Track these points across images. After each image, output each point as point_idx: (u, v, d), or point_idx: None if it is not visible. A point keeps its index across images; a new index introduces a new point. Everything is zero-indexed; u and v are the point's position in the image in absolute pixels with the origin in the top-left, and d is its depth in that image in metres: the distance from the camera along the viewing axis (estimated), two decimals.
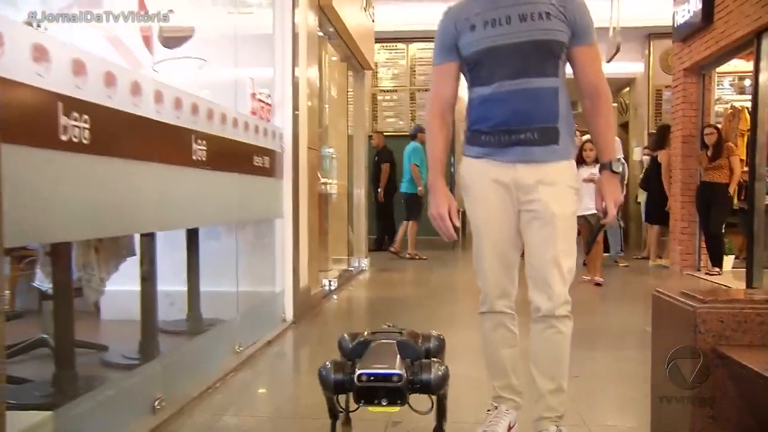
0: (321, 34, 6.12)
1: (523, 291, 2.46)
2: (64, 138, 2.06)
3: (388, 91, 11.57)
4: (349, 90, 8.45)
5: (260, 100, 4.31)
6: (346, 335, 2.20)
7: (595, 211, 2.52)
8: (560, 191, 2.44)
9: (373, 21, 8.24)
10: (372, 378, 1.86)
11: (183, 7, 3.90)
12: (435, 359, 2.05)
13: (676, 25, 8.28)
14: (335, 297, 6.26)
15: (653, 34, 11.19)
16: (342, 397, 2.11)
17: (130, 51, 3.68)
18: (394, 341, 2.04)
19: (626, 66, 11.78)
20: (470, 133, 2.56)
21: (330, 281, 6.44)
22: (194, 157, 3.13)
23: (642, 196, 10.17)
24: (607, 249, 9.56)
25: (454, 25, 2.53)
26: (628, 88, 12.96)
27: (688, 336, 1.98)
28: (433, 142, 2.59)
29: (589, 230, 6.33)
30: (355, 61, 7.88)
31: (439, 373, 1.96)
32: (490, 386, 2.61)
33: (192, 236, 4.06)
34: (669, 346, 2.08)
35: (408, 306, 5.83)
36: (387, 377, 1.86)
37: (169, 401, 2.87)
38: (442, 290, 6.88)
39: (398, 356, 1.94)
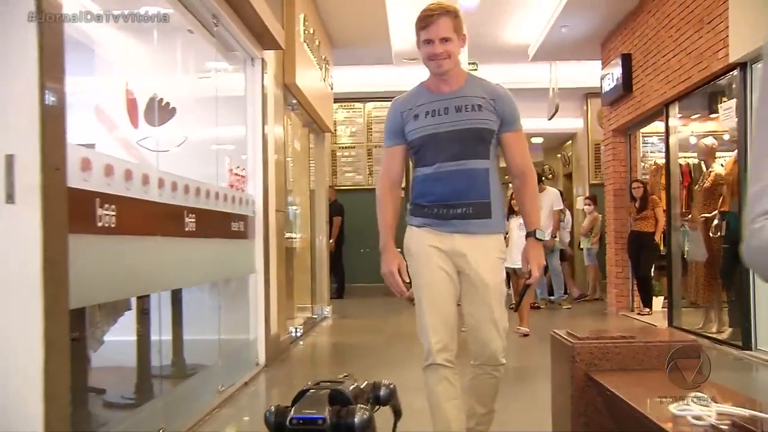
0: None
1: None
2: (99, 224, 2.73)
3: (346, 147, 12.33)
4: (310, 146, 9.15)
5: (236, 174, 5.00)
6: (272, 408, 2.29)
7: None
8: (491, 262, 2.81)
9: (331, 89, 9.02)
10: (301, 422, 2.09)
11: (167, 74, 4.37)
12: (362, 406, 2.22)
13: (603, 91, 9.22)
14: (301, 343, 6.88)
15: (589, 94, 12.16)
16: None
17: (111, 119, 3.99)
18: (328, 390, 2.23)
19: (568, 122, 12.76)
20: (413, 206, 2.92)
21: (296, 328, 7.06)
22: (186, 229, 3.79)
23: (585, 242, 10.98)
24: (552, 293, 10.35)
25: (401, 114, 2.90)
26: (570, 142, 13.93)
27: (569, 365, 2.69)
28: (384, 212, 2.93)
29: (517, 281, 6.98)
30: (315, 126, 8.62)
31: (364, 417, 2.14)
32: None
33: (176, 292, 4.68)
34: (558, 373, 2.79)
35: (366, 351, 6.46)
36: (313, 421, 2.08)
37: (169, 431, 3.48)
38: (398, 336, 7.45)
39: (327, 403, 2.14)
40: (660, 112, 7.53)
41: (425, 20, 2.79)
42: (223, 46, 4.99)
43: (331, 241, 10.91)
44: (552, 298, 10.21)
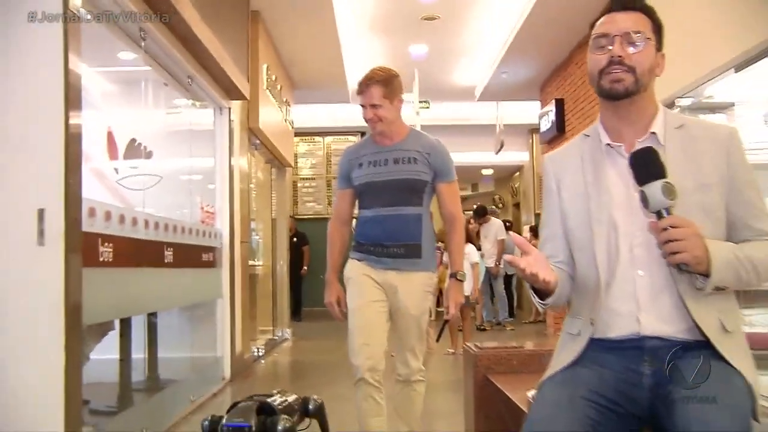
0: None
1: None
2: (101, 259, 3.41)
3: (307, 178, 13.05)
4: (272, 179, 9.85)
5: (206, 211, 5.69)
6: (208, 417, 2.59)
7: None
8: (418, 295, 3.16)
9: (291, 127, 9.76)
10: (230, 428, 2.37)
11: (145, 120, 5.08)
12: (285, 416, 2.50)
13: (541, 131, 10.08)
14: (263, 361, 7.54)
15: (534, 130, 13.07)
16: None
17: (94, 160, 4.31)
18: (257, 402, 2.52)
19: (515, 155, 13.66)
20: (356, 242, 3.27)
21: (258, 348, 7.72)
22: (165, 260, 4.47)
23: None
24: (496, 315, 11.14)
25: (349, 162, 3.25)
26: (518, 173, 14.85)
27: (473, 369, 3.44)
28: (332, 248, 3.33)
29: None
30: (276, 162, 9.34)
31: (286, 425, 2.43)
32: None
33: (150, 315, 5.33)
34: (467, 377, 3.54)
35: (320, 368, 7.10)
36: (240, 428, 2.35)
37: (152, 429, 4.15)
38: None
39: (254, 413, 2.43)
40: None
41: (360, 88, 3.18)
42: (196, 98, 5.70)
43: (305, 268, 11.59)
44: (496, 321, 11.01)
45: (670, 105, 6.05)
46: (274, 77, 7.91)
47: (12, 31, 2.97)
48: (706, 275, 1.62)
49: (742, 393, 1.56)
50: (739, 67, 4.95)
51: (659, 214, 1.64)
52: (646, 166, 1.66)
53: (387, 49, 9.67)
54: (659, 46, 1.83)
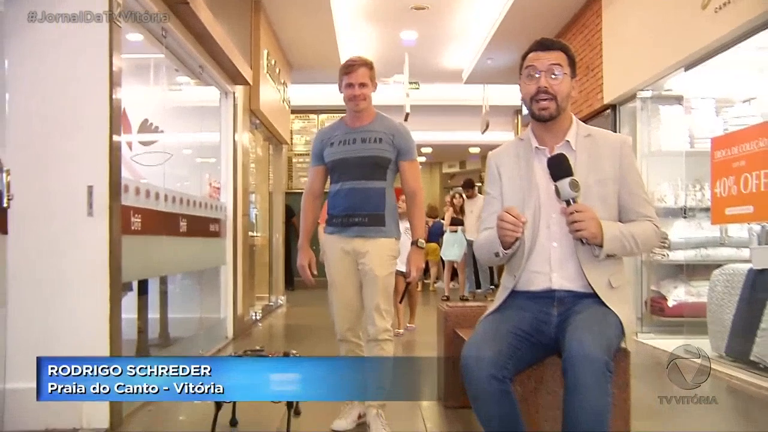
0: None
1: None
2: (133, 228, 4.05)
3: (301, 154, 13.66)
4: (270, 155, 10.45)
5: (214, 187, 6.33)
6: None
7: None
8: (383, 259, 3.44)
9: (288, 107, 10.36)
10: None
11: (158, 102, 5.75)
12: None
13: (523, 113, 10.73)
14: (260, 324, 8.22)
15: (517, 111, 13.70)
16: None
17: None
18: (249, 354, 3.24)
19: (501, 135, 14.25)
20: (328, 215, 3.58)
21: (256, 312, 8.40)
22: (180, 230, 5.11)
23: None
24: (479, 285, 11.83)
25: (321, 142, 3.55)
26: None
27: (444, 325, 4.12)
28: (305, 218, 3.67)
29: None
30: (274, 140, 9.96)
31: None
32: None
33: (162, 280, 5.98)
34: (440, 331, 4.22)
35: (311, 331, 7.75)
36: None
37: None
38: None
39: None
40: None
41: (348, 68, 3.43)
42: (204, 83, 6.30)
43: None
44: (478, 291, 11.70)
45: (632, 97, 6.72)
46: (273, 62, 8.50)
47: (62, 29, 3.55)
48: (600, 246, 2.29)
49: (613, 327, 2.24)
50: (689, 66, 5.60)
51: (568, 202, 2.30)
52: (559, 167, 2.32)
53: (379, 34, 10.26)
54: (574, 74, 2.47)
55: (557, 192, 2.31)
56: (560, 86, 2.42)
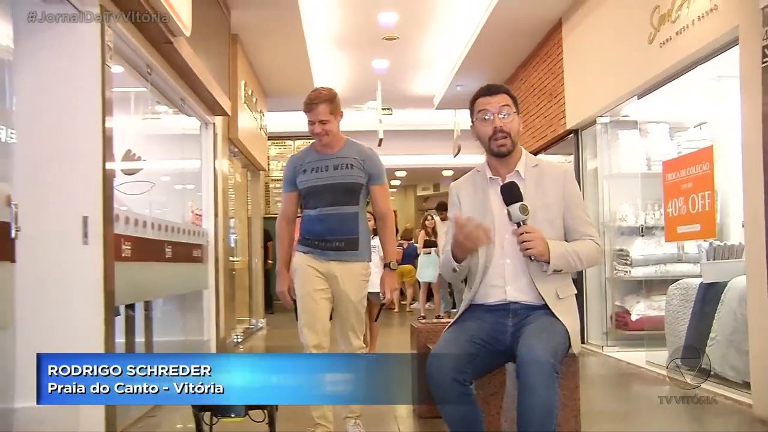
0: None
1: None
2: (123, 255, 4.31)
3: (278, 179, 13.93)
4: (248, 181, 10.72)
5: (196, 214, 6.60)
6: None
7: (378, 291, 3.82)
8: (356, 282, 3.54)
9: (265, 134, 10.67)
10: None
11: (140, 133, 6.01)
12: None
13: None
14: (241, 347, 8.46)
15: None
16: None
17: None
18: None
19: (473, 158, 14.62)
20: (301, 237, 3.63)
21: (237, 335, 8.63)
22: (166, 256, 5.37)
23: None
24: (455, 305, 12.10)
25: (294, 168, 3.60)
26: None
27: (416, 340, 4.41)
28: (281, 244, 3.72)
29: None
30: (252, 167, 10.25)
31: None
32: (310, 415, 3.53)
33: (147, 304, 6.21)
34: (414, 347, 4.51)
35: (289, 351, 8.00)
36: None
37: None
38: None
39: None
40: None
41: (307, 107, 3.48)
42: (185, 114, 6.59)
43: (269, 261, 12.46)
44: (454, 310, 11.98)
45: (593, 122, 7.11)
46: (250, 91, 8.82)
47: (57, 64, 3.84)
48: (548, 263, 2.61)
49: (560, 334, 2.56)
50: (641, 95, 6.00)
51: (519, 224, 2.63)
52: (510, 193, 2.65)
53: (352, 63, 10.63)
54: (518, 111, 2.80)
55: (509, 215, 2.64)
56: (511, 124, 2.75)
